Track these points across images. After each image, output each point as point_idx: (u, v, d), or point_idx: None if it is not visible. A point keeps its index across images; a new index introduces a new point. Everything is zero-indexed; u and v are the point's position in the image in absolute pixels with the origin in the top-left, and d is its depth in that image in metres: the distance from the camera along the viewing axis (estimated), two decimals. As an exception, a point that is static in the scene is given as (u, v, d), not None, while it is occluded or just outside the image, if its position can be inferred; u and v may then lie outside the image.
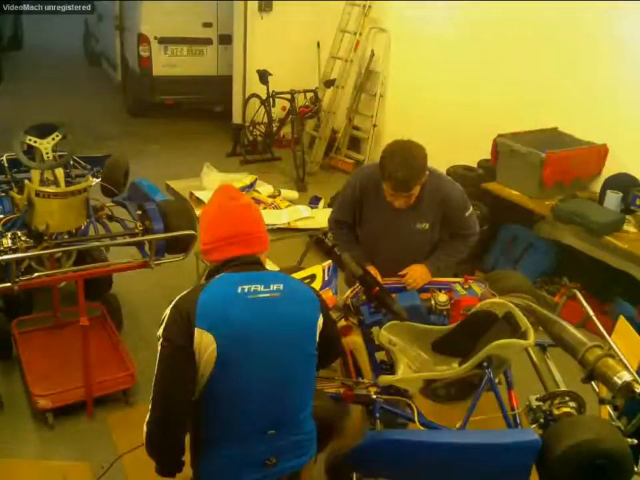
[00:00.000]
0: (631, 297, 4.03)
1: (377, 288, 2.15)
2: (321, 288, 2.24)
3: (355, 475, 2.13)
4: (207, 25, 7.74)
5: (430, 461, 1.90)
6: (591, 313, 2.63)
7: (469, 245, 2.87)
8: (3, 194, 3.75)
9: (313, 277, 2.32)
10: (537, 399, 2.17)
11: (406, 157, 2.45)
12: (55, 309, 3.67)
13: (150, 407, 1.67)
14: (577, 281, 4.12)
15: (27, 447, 2.91)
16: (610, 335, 2.51)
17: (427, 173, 2.55)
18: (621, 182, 4.36)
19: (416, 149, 2.52)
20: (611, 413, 2.23)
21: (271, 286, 1.69)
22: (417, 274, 2.65)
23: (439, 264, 2.79)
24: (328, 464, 2.55)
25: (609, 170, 4.56)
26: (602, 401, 2.28)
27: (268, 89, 6.78)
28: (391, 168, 2.45)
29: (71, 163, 4.03)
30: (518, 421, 2.20)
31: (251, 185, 4.18)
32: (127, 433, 2.58)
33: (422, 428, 2.13)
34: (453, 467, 1.90)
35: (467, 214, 2.79)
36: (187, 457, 1.76)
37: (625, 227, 4.06)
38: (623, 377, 2.00)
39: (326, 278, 2.32)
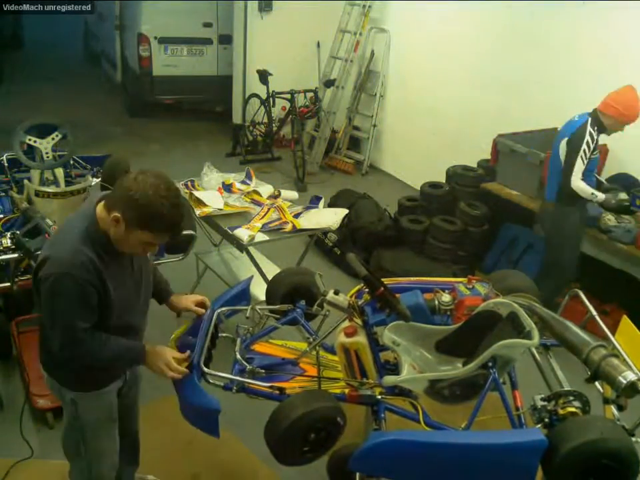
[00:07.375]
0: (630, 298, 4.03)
1: (382, 288, 2.14)
2: None
3: (358, 475, 2.12)
4: (207, 25, 7.76)
5: (435, 462, 1.89)
6: (594, 312, 2.62)
7: None
8: (3, 194, 3.76)
9: None
10: (541, 399, 2.16)
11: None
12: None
13: None
14: (577, 281, 4.11)
15: (27, 447, 2.90)
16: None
17: None
18: (621, 182, 4.36)
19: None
20: (615, 412, 2.23)
21: None
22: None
23: None
24: (330, 464, 2.56)
25: (609, 170, 4.57)
26: (606, 401, 2.27)
27: (268, 89, 6.78)
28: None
29: (71, 162, 4.03)
30: (523, 420, 2.19)
31: (248, 177, 4.17)
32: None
33: (427, 428, 2.12)
34: (458, 468, 1.90)
35: None
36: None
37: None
38: (628, 376, 1.99)
39: None
